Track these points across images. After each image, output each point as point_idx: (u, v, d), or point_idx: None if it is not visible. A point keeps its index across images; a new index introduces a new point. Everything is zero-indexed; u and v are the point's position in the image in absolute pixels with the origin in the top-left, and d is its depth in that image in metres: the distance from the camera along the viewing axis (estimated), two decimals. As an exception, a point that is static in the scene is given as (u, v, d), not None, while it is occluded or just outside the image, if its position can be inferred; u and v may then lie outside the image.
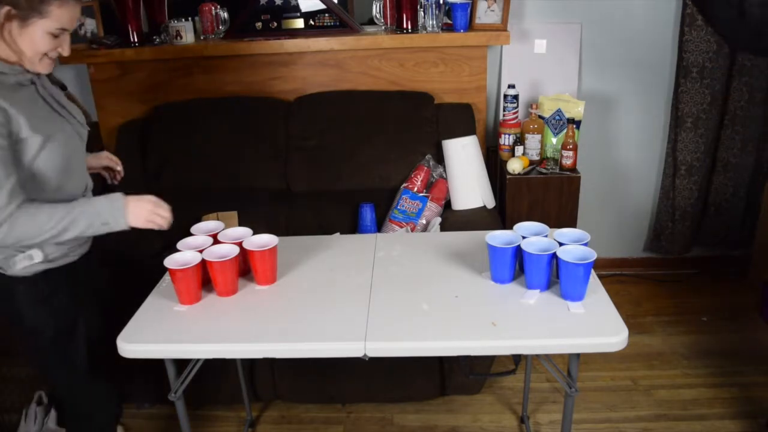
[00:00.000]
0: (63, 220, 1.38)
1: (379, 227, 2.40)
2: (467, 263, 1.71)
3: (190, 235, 1.68)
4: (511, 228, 1.66)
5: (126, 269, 1.99)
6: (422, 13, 2.55)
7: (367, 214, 2.37)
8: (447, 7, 2.57)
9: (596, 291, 1.54)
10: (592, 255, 1.47)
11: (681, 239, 2.99)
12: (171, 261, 1.54)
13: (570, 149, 2.41)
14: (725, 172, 2.89)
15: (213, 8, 2.66)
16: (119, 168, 1.79)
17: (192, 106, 2.61)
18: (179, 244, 1.62)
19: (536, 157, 2.52)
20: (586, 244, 1.53)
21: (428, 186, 2.43)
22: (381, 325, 1.44)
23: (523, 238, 1.57)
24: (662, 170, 2.93)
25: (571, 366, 1.51)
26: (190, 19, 2.63)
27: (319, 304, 1.55)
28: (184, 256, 1.56)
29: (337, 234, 2.31)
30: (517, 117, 2.58)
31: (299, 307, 1.54)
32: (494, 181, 2.59)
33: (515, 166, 2.42)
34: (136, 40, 2.57)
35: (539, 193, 2.44)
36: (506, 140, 2.57)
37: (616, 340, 1.37)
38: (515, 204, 2.45)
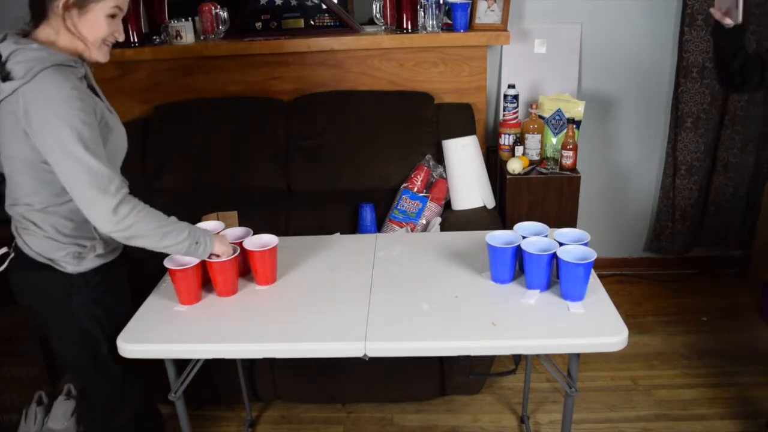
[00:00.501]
0: (168, 225, 1.43)
1: (379, 227, 2.40)
2: (467, 263, 1.71)
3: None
4: (511, 228, 1.66)
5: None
6: (422, 13, 2.55)
7: (367, 214, 2.37)
8: (447, 7, 2.57)
9: (596, 291, 1.54)
10: (592, 255, 1.47)
11: (681, 239, 3.00)
12: (171, 261, 1.54)
13: (570, 149, 2.41)
14: (725, 172, 2.89)
15: (213, 8, 2.66)
16: None
17: (192, 106, 2.61)
18: None
19: (536, 157, 2.52)
20: (586, 244, 1.53)
21: (428, 186, 2.43)
22: (381, 325, 1.44)
23: (523, 238, 1.57)
24: (662, 170, 2.93)
25: (571, 366, 1.51)
26: (190, 19, 2.63)
27: (319, 304, 1.55)
28: (184, 256, 1.56)
29: (337, 234, 2.31)
30: (517, 117, 2.58)
31: (299, 307, 1.54)
32: (494, 181, 2.59)
33: (515, 166, 2.42)
34: (136, 40, 2.57)
35: (539, 193, 2.44)
36: (506, 140, 2.57)
37: (616, 340, 1.37)
38: (515, 204, 2.45)
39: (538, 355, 1.69)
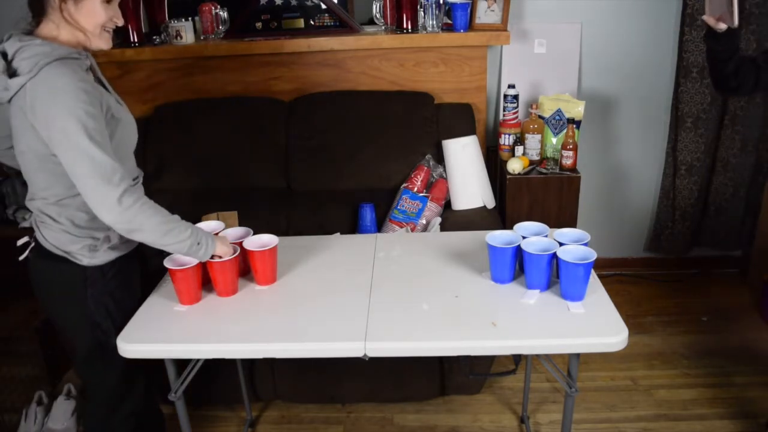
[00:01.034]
0: (170, 222, 1.44)
1: (379, 227, 2.40)
2: (467, 263, 1.71)
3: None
4: (511, 228, 1.66)
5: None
6: (422, 13, 2.55)
7: (367, 214, 2.37)
8: (447, 7, 2.57)
9: (596, 291, 1.54)
10: (592, 255, 1.47)
11: (681, 239, 3.00)
12: (171, 261, 1.54)
13: (570, 149, 2.41)
14: (725, 172, 2.89)
15: (213, 8, 2.66)
16: None
17: (192, 106, 2.61)
18: None
19: (536, 157, 2.52)
20: (586, 244, 1.53)
21: (428, 186, 2.43)
22: (381, 325, 1.44)
23: (523, 238, 1.58)
24: (662, 170, 2.93)
25: (571, 366, 1.51)
26: (190, 19, 2.63)
27: (319, 304, 1.55)
28: (184, 257, 1.56)
29: (337, 234, 2.31)
30: (517, 117, 2.58)
31: (299, 307, 1.54)
32: (494, 181, 2.59)
33: (515, 166, 2.42)
34: (136, 39, 2.57)
35: (539, 193, 2.44)
36: (506, 140, 2.57)
37: (616, 340, 1.37)
38: (515, 204, 2.45)
39: (538, 355, 1.69)
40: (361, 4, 2.87)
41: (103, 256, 1.52)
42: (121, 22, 1.46)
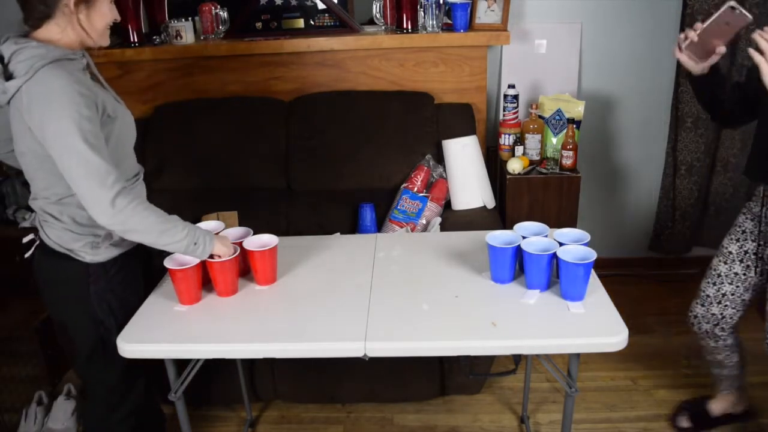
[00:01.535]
0: (166, 222, 1.45)
1: (379, 227, 2.40)
2: (467, 263, 1.71)
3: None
4: (511, 228, 1.66)
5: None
6: (422, 13, 2.55)
7: (367, 214, 2.37)
8: (447, 7, 2.57)
9: (596, 291, 1.54)
10: (592, 255, 1.47)
11: (681, 239, 2.99)
12: (171, 261, 1.54)
13: (570, 149, 2.41)
14: (725, 172, 2.89)
15: (213, 8, 2.66)
16: None
17: (192, 106, 2.61)
18: None
19: (536, 157, 2.52)
20: (586, 244, 1.53)
21: (428, 186, 2.43)
22: (381, 325, 1.44)
23: (523, 238, 1.58)
24: (662, 170, 2.93)
25: (571, 366, 1.51)
26: (190, 19, 2.63)
27: (319, 304, 1.55)
28: (184, 256, 1.56)
29: (337, 234, 2.31)
30: (517, 117, 2.58)
31: (299, 307, 1.54)
32: (494, 181, 2.59)
33: (515, 166, 2.42)
34: (136, 40, 2.57)
35: (539, 193, 2.44)
36: (506, 140, 2.57)
37: (616, 340, 1.37)
38: (515, 204, 2.46)
39: (538, 355, 1.69)
40: (361, 4, 2.87)
41: (105, 253, 1.54)
42: (119, 18, 1.50)
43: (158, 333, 1.47)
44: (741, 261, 1.82)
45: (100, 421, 1.72)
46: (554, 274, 1.54)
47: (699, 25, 1.56)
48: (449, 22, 2.58)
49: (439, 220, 2.38)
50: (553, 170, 2.44)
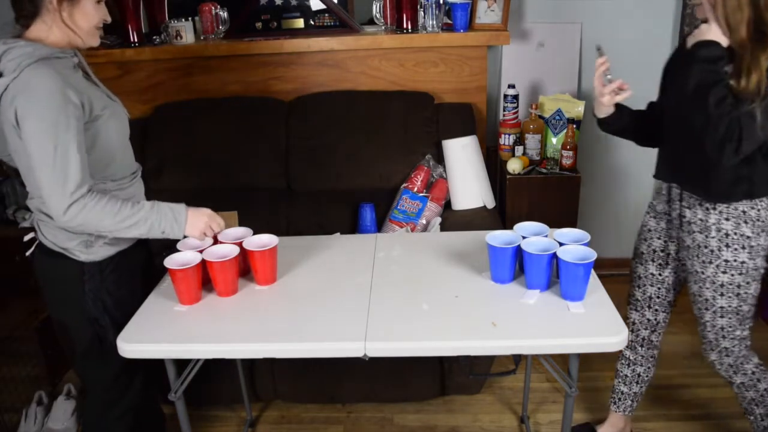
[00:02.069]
0: (127, 220, 1.45)
1: (379, 227, 2.40)
2: (467, 263, 1.71)
3: (191, 235, 1.68)
4: (511, 228, 1.66)
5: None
6: (422, 13, 2.55)
7: (367, 214, 2.37)
8: (447, 7, 2.57)
9: (596, 291, 1.54)
10: (592, 255, 1.47)
11: (681, 239, 2.99)
12: (171, 261, 1.54)
13: (570, 149, 2.41)
14: (725, 172, 2.88)
15: (213, 8, 2.66)
16: None
17: (192, 106, 2.61)
18: (179, 245, 1.62)
19: (536, 157, 2.52)
20: (586, 244, 1.53)
21: (428, 186, 2.43)
22: (381, 325, 1.44)
23: (523, 238, 1.57)
24: (662, 170, 2.93)
25: (571, 366, 1.51)
26: (190, 19, 2.63)
27: (319, 304, 1.55)
28: (184, 256, 1.56)
29: (337, 234, 2.31)
30: (517, 117, 2.58)
31: (299, 307, 1.54)
32: (494, 181, 2.59)
33: (515, 166, 2.42)
34: (136, 40, 2.57)
35: (539, 193, 2.44)
36: (506, 140, 2.57)
37: (616, 340, 1.37)
38: (515, 204, 2.46)
39: (538, 355, 1.69)
40: (361, 4, 2.87)
41: (100, 252, 1.54)
42: (109, 19, 1.51)
43: (158, 333, 1.46)
44: (653, 261, 1.83)
45: (98, 419, 1.73)
46: (554, 274, 1.54)
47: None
48: (449, 22, 2.59)
49: (439, 220, 2.38)
50: (553, 170, 2.44)
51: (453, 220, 2.36)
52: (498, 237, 1.60)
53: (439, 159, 2.51)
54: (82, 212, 1.39)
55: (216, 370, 2.08)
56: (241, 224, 2.23)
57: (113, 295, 1.58)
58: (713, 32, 1.46)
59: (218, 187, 2.51)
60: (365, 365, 1.56)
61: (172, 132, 2.56)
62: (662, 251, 1.80)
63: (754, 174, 1.53)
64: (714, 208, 1.58)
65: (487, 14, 2.57)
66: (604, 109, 1.71)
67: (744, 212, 1.56)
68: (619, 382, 2.02)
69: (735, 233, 1.57)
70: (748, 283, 1.62)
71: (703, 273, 1.64)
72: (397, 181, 2.47)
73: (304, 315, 1.50)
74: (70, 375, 2.49)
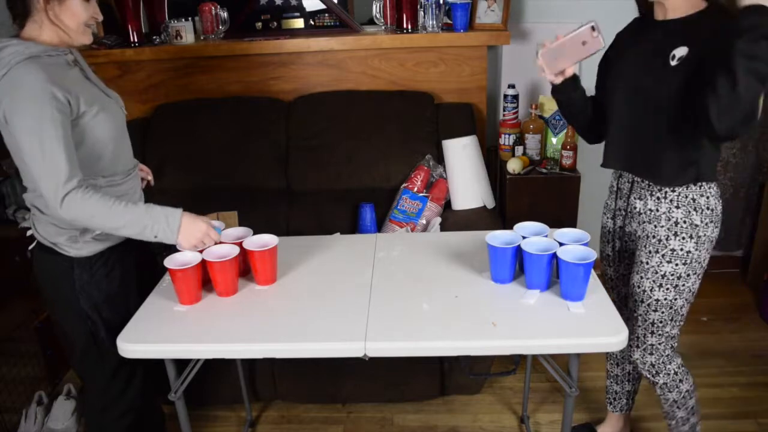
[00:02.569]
0: (118, 218, 1.45)
1: (379, 227, 2.40)
2: (467, 263, 1.71)
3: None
4: (511, 228, 1.66)
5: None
6: (422, 13, 2.55)
7: (367, 214, 2.37)
8: (447, 7, 2.57)
9: (596, 291, 1.54)
10: (592, 255, 1.47)
11: (681, 239, 2.99)
12: (171, 261, 1.54)
13: (570, 149, 2.41)
14: (725, 172, 2.89)
15: (213, 8, 2.66)
16: (150, 178, 1.87)
17: (192, 106, 2.61)
18: (179, 245, 1.62)
19: (536, 157, 2.52)
20: (586, 244, 1.53)
21: (428, 186, 2.43)
22: (381, 325, 1.44)
23: (523, 238, 1.58)
24: (662, 170, 2.92)
25: (571, 366, 1.51)
26: (190, 19, 2.63)
27: (319, 304, 1.55)
28: (184, 256, 1.56)
29: (337, 234, 2.31)
30: (517, 117, 2.58)
31: (299, 307, 1.54)
32: (494, 181, 2.59)
33: (515, 166, 2.42)
34: (136, 40, 2.57)
35: (539, 193, 2.44)
36: (506, 140, 2.57)
37: (616, 340, 1.37)
38: (515, 204, 2.45)
39: (538, 355, 1.69)
40: (361, 4, 2.87)
41: (87, 247, 1.55)
42: (100, 18, 1.52)
43: (158, 333, 1.46)
44: (620, 261, 1.84)
45: (98, 419, 1.73)
46: (554, 274, 1.54)
47: (560, 37, 1.56)
48: (449, 22, 2.58)
49: (439, 220, 2.38)
50: (553, 170, 2.44)
51: (453, 220, 2.36)
52: (498, 237, 1.60)
53: (439, 159, 2.51)
54: (76, 205, 1.40)
55: (216, 370, 2.09)
56: (241, 224, 2.23)
57: (103, 291, 1.59)
58: None
59: (218, 187, 2.51)
60: (365, 365, 1.56)
61: (172, 132, 2.56)
62: (624, 250, 1.81)
63: (701, 158, 1.53)
64: (665, 197, 1.59)
65: (487, 14, 2.57)
66: (550, 77, 1.62)
67: (694, 200, 1.57)
68: (611, 381, 2.02)
69: (684, 221, 1.58)
70: (688, 275, 1.62)
71: (647, 263, 1.64)
72: (397, 181, 2.47)
73: (304, 315, 1.50)
74: (70, 375, 2.49)
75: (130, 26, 2.55)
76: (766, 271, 2.79)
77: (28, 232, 1.62)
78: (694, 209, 1.57)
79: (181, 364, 1.57)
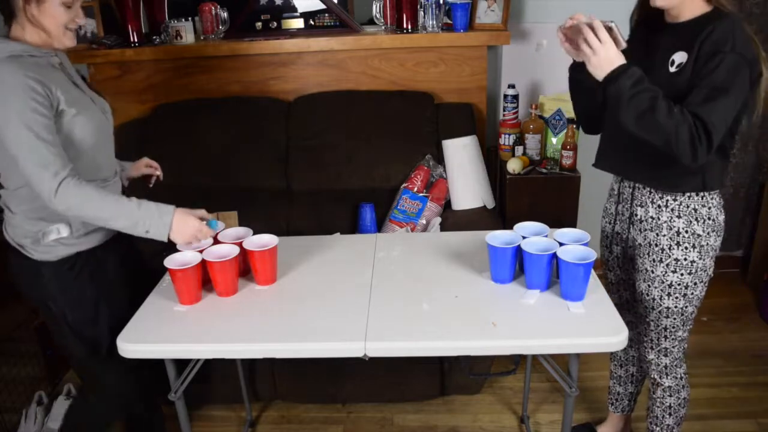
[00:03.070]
0: (109, 208, 1.45)
1: (379, 227, 2.40)
2: (467, 263, 1.71)
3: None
4: (511, 228, 1.66)
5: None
6: (422, 13, 2.55)
7: (367, 214, 2.37)
8: (447, 7, 2.57)
9: (596, 291, 1.54)
10: (592, 255, 1.47)
11: (681, 239, 2.99)
12: (171, 261, 1.54)
13: (570, 149, 2.41)
14: (725, 172, 2.88)
15: (213, 8, 2.66)
16: (158, 173, 1.89)
17: (192, 106, 2.61)
18: (179, 245, 1.62)
19: (536, 157, 2.52)
20: (586, 244, 1.53)
21: (428, 186, 2.43)
22: (381, 325, 1.44)
23: (523, 238, 1.58)
24: (662, 170, 2.92)
25: (571, 366, 1.51)
26: (190, 19, 2.63)
27: (319, 304, 1.55)
28: (184, 256, 1.56)
29: (337, 234, 2.31)
30: (517, 117, 2.58)
31: (299, 307, 1.54)
32: (494, 181, 2.59)
33: (515, 166, 2.42)
34: (135, 40, 2.57)
35: (539, 193, 2.44)
36: (506, 140, 2.57)
37: (616, 340, 1.37)
38: (515, 204, 2.45)
39: (538, 355, 1.69)
40: (361, 4, 2.87)
41: (54, 251, 1.54)
42: (83, 22, 1.52)
43: (158, 333, 1.46)
44: (620, 266, 1.83)
45: (97, 419, 1.73)
46: (554, 274, 1.54)
47: (580, 16, 1.58)
48: (449, 22, 2.58)
49: (439, 220, 2.38)
50: (553, 170, 2.44)
51: (453, 220, 2.36)
52: (498, 237, 1.60)
53: (439, 159, 2.51)
54: (70, 192, 1.40)
55: (216, 370, 2.09)
56: (241, 224, 2.23)
57: (72, 297, 1.58)
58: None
59: (218, 187, 2.51)
60: (365, 365, 1.56)
61: (172, 132, 2.56)
62: (624, 256, 1.80)
63: (708, 166, 1.50)
64: (666, 206, 1.58)
65: (487, 14, 2.57)
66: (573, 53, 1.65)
67: (695, 210, 1.56)
68: (614, 382, 2.02)
69: (686, 231, 1.57)
70: (695, 284, 1.61)
71: (652, 272, 1.63)
72: (397, 181, 2.47)
73: (304, 315, 1.50)
74: (70, 375, 2.49)
75: (130, 26, 2.55)
76: (766, 271, 2.79)
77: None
78: (696, 219, 1.56)
79: (181, 364, 1.57)
